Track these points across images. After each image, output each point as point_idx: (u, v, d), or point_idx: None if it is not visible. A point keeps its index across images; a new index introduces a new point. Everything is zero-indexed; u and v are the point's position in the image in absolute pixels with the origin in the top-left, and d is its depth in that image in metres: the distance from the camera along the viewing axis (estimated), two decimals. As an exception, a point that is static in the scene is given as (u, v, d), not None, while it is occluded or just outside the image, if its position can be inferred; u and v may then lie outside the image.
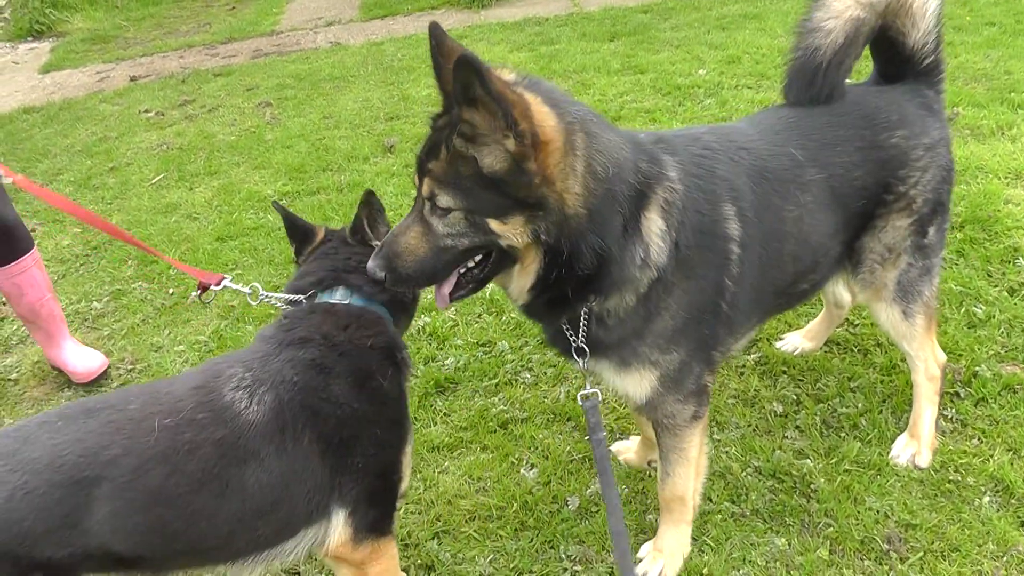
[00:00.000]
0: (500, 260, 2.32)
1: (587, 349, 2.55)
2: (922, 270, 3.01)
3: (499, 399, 3.84)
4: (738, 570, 2.92)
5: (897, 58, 2.93)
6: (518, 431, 3.63)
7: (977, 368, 3.61)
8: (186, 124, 8.06)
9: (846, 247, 2.94)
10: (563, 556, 3.05)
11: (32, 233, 6.03)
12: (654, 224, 2.38)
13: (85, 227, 6.15)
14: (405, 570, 3.08)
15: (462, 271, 2.38)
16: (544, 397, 3.81)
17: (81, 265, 5.71)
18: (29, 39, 12.63)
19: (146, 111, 8.51)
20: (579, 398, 2.70)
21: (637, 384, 2.64)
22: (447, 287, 2.39)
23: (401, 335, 2.77)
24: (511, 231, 2.17)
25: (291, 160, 6.73)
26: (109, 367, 4.45)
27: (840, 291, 3.65)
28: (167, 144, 7.52)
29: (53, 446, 2.16)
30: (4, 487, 2.10)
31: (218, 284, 3.03)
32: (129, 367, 4.49)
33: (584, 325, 2.51)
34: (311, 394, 2.38)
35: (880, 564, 2.89)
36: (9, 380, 4.63)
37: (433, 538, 3.21)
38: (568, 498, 3.27)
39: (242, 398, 2.33)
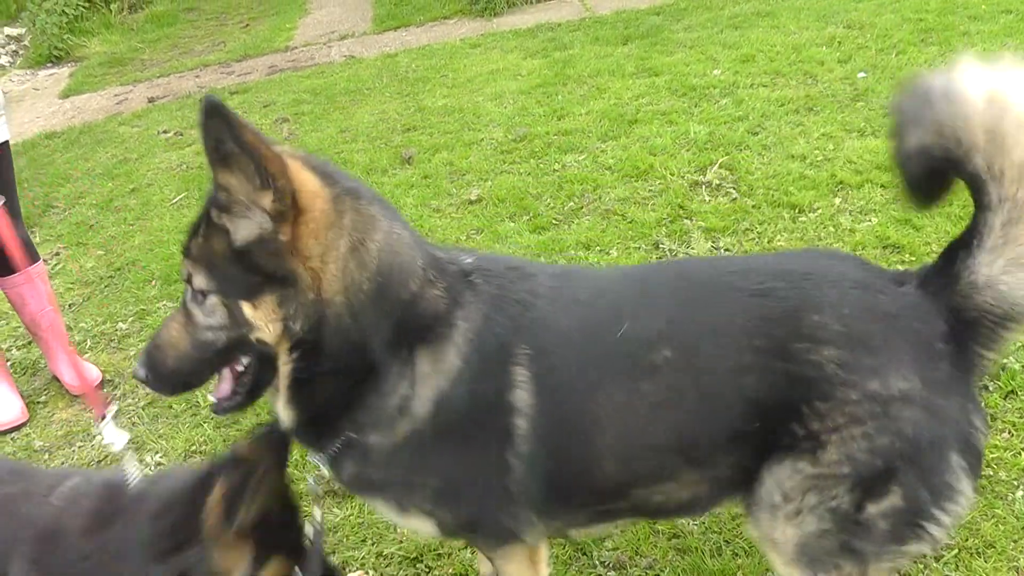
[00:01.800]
0: (260, 365, 2.05)
1: (325, 472, 2.24)
2: (844, 547, 2.10)
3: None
4: (772, 573, 2.88)
5: (947, 263, 2.01)
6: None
7: (1006, 360, 3.55)
8: (205, 144, 8.07)
9: (736, 475, 2.18)
10: (597, 562, 3.04)
11: (56, 256, 6.18)
12: (423, 364, 2.06)
13: (108, 249, 6.22)
14: None
15: (238, 372, 2.10)
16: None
17: (105, 287, 5.75)
18: (48, 65, 12.73)
19: (165, 131, 8.56)
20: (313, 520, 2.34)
21: (422, 527, 2.34)
22: (220, 391, 2.13)
23: None
24: (262, 318, 1.91)
25: (310, 176, 6.70)
26: (103, 381, 4.64)
27: None
28: (187, 164, 7.55)
29: None
30: None
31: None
32: (156, 388, 4.52)
33: (338, 449, 2.16)
34: None
35: (914, 562, 2.85)
36: (39, 403, 4.71)
37: (466, 547, 3.20)
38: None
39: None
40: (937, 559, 2.84)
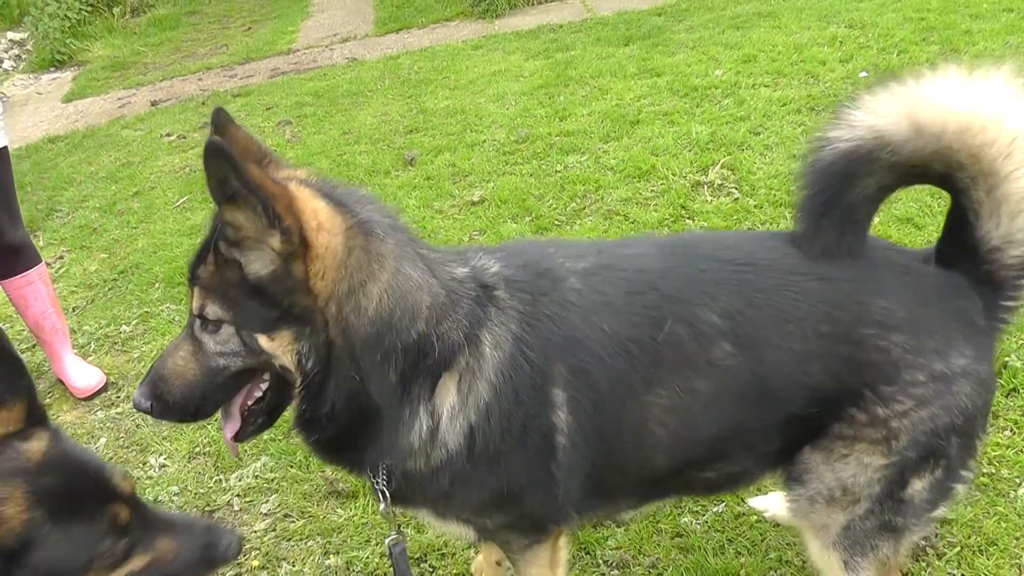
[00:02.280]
0: (279, 387, 2.03)
1: (387, 494, 2.18)
2: (885, 526, 2.18)
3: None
4: (775, 571, 2.90)
5: (959, 236, 2.08)
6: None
7: (1007, 358, 3.56)
8: (208, 147, 8.08)
9: (783, 450, 2.24)
10: (600, 561, 3.05)
11: (60, 259, 6.20)
12: (448, 398, 2.04)
13: (112, 253, 6.23)
14: None
15: (245, 411, 2.08)
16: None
17: (109, 290, 5.76)
18: (51, 69, 12.76)
19: (168, 135, 8.58)
20: (387, 545, 2.38)
21: (460, 532, 2.38)
22: (230, 429, 2.10)
23: None
24: (280, 349, 1.88)
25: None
26: (107, 384, 4.66)
27: None
28: (190, 167, 7.57)
29: None
30: None
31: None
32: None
33: (384, 475, 2.14)
34: None
35: (917, 560, 2.86)
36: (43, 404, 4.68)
37: (469, 547, 3.21)
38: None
39: None
40: (939, 556, 2.85)
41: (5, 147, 4.25)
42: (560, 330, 2.07)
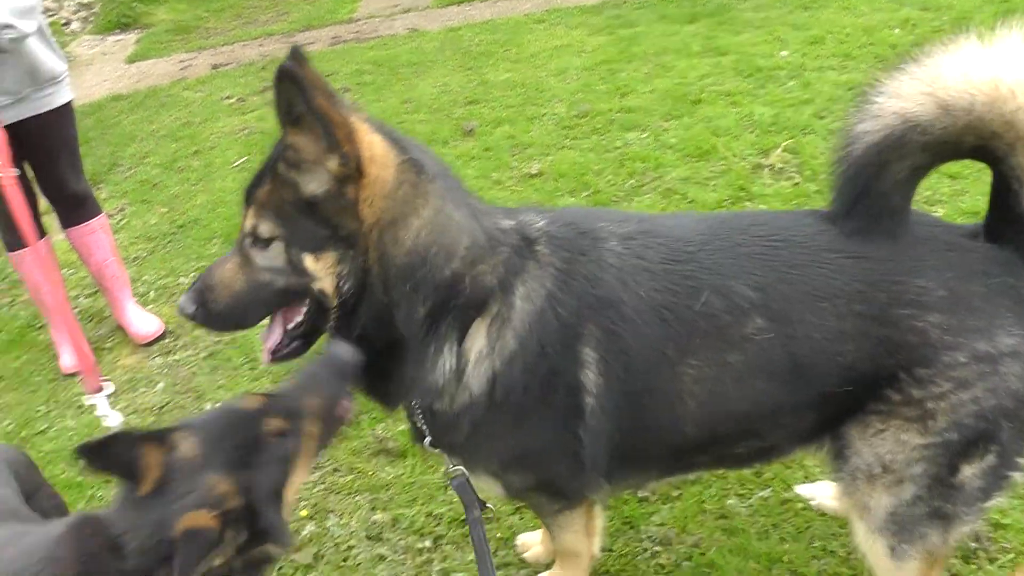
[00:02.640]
0: (318, 313, 2.09)
1: (425, 432, 2.24)
2: (934, 513, 2.11)
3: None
4: (819, 559, 2.87)
5: (1005, 207, 2.00)
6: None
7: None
8: (267, 109, 8.06)
9: (822, 426, 2.19)
10: (643, 536, 3.04)
11: (121, 212, 6.32)
12: (477, 342, 2.07)
13: (172, 207, 6.34)
14: (494, 552, 3.09)
15: (289, 327, 2.14)
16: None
17: (168, 243, 5.88)
18: (116, 31, 12.89)
19: (228, 97, 8.65)
20: (444, 475, 2.38)
21: (489, 487, 2.39)
22: (271, 341, 2.16)
23: None
24: (323, 270, 1.96)
25: (371, 143, 6.73)
26: (165, 332, 4.82)
27: None
28: (249, 129, 7.64)
29: None
30: None
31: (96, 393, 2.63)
32: (216, 339, 4.63)
33: (419, 414, 2.21)
34: None
35: (967, 563, 2.80)
36: (104, 349, 4.88)
37: (514, 513, 3.23)
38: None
39: None
40: (991, 561, 2.79)
41: (70, 103, 4.39)
42: (595, 290, 2.07)
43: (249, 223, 2.00)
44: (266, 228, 1.97)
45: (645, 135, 6.07)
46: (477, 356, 2.07)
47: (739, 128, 5.89)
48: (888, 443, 2.06)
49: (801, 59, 6.85)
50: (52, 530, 1.85)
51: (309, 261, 1.96)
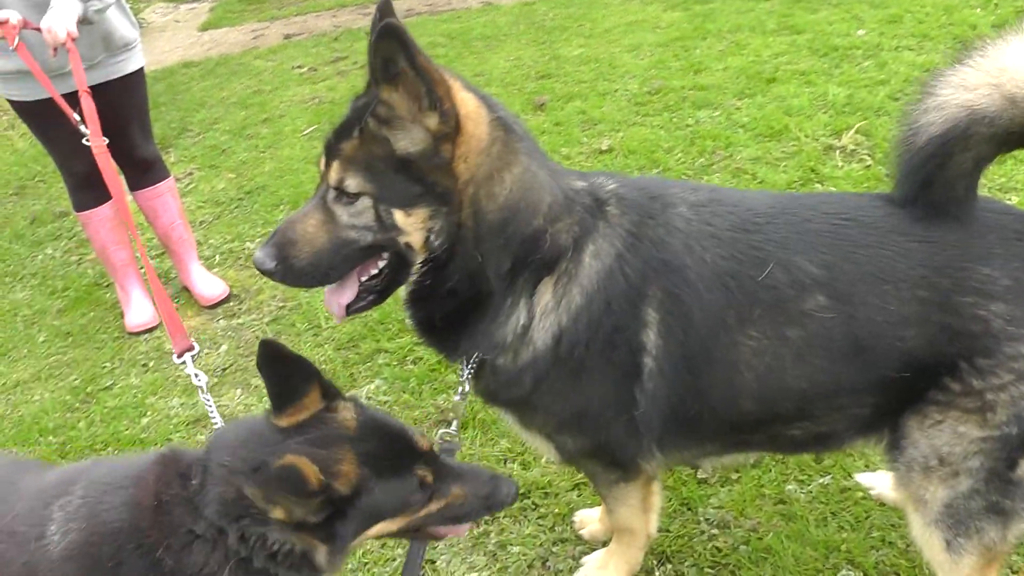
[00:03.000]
0: (398, 266, 2.08)
1: (467, 388, 2.25)
2: (992, 508, 2.06)
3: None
4: (877, 550, 2.80)
5: None
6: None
7: None
8: (338, 79, 8.22)
9: (880, 415, 2.16)
10: (701, 519, 2.99)
11: (189, 176, 6.41)
12: (545, 296, 2.08)
13: (239, 173, 6.40)
14: (542, 518, 3.10)
15: (363, 279, 2.13)
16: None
17: (235, 207, 5.96)
18: (190, 0, 13.09)
19: (299, 67, 8.72)
20: (438, 436, 2.30)
21: (542, 449, 2.41)
22: (346, 297, 2.14)
23: None
24: (413, 225, 1.96)
25: (444, 116, 6.72)
26: (230, 295, 4.87)
27: None
28: (319, 98, 7.69)
29: None
30: None
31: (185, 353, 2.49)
32: (280, 304, 4.69)
33: (472, 367, 2.20)
34: (96, 566, 1.81)
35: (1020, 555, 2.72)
36: None
37: (573, 488, 3.21)
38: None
39: (57, 520, 1.87)
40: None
41: (141, 68, 4.48)
42: (661, 253, 2.07)
43: (335, 176, 1.98)
44: (354, 183, 1.96)
45: (717, 113, 5.98)
46: (543, 310, 2.09)
47: (812, 108, 5.76)
48: (945, 434, 2.02)
49: (878, 38, 6.67)
50: (147, 456, 1.93)
51: (399, 217, 1.96)
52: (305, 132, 7.00)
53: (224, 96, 8.22)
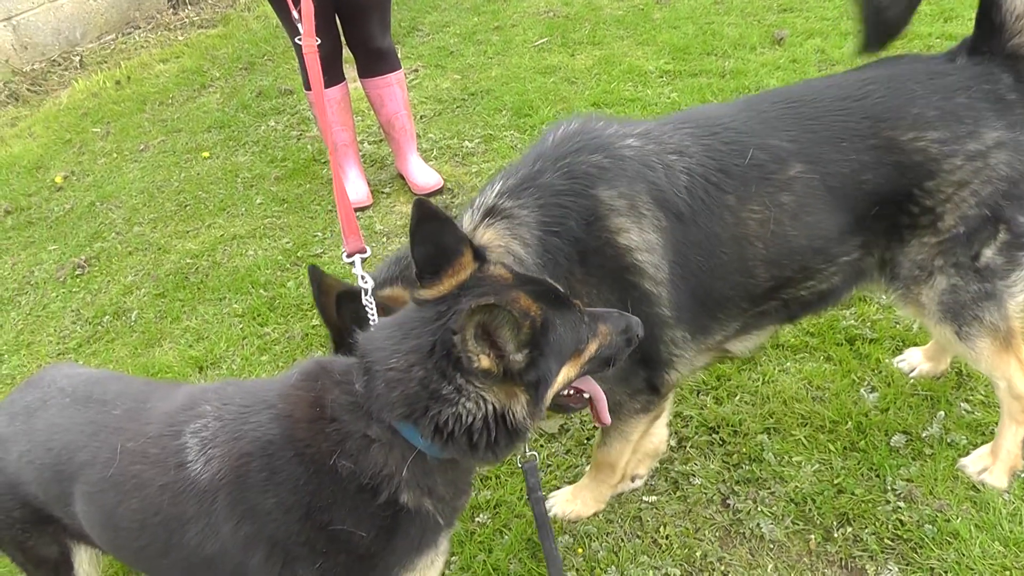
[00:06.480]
0: None
1: None
2: (978, 294, 2.51)
3: (850, 312, 3.63)
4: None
5: (986, 20, 2.41)
6: (865, 350, 3.43)
7: None
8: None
9: (870, 255, 2.56)
10: (888, 488, 2.88)
11: (415, 72, 6.54)
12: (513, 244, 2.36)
13: (465, 76, 6.49)
14: (729, 455, 3.10)
15: None
16: (896, 322, 3.55)
17: (457, 108, 6.05)
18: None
19: (537, -22, 8.65)
20: (519, 461, 2.55)
21: None
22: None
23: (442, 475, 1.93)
24: None
25: (676, 40, 6.59)
26: (443, 188, 5.01)
27: None
28: (554, 12, 7.64)
29: (51, 425, 2.18)
30: (16, 446, 2.20)
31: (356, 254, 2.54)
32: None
33: None
34: (251, 482, 1.86)
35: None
36: (383, 193, 5.17)
37: (764, 431, 3.17)
38: (897, 435, 3.06)
39: (194, 447, 1.93)
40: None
41: None
42: (635, 168, 2.39)
43: None
44: None
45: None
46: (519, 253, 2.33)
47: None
48: (915, 248, 2.49)
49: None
50: (284, 375, 2.04)
51: None
52: (536, 43, 6.98)
53: (457, 1, 8.31)
